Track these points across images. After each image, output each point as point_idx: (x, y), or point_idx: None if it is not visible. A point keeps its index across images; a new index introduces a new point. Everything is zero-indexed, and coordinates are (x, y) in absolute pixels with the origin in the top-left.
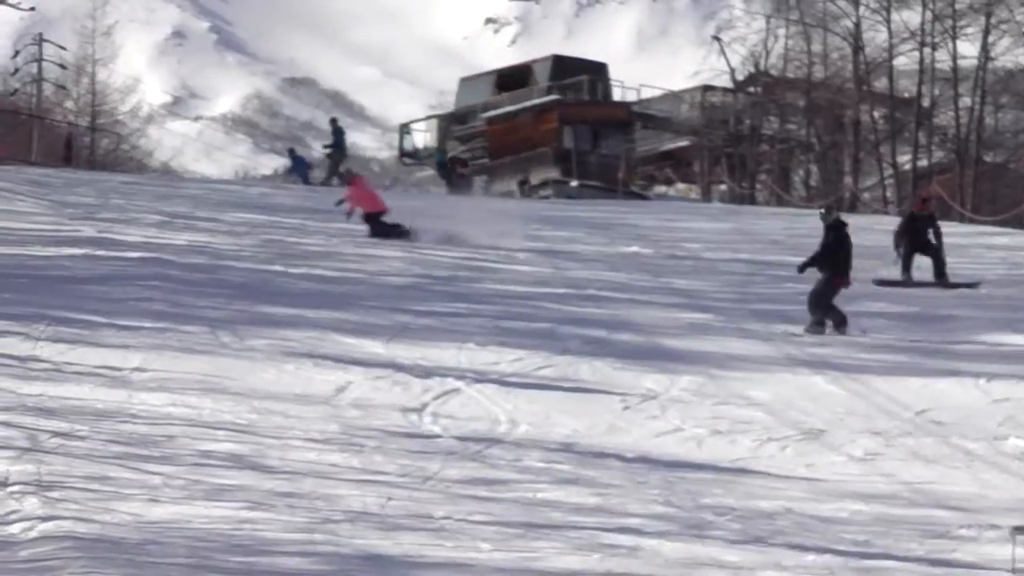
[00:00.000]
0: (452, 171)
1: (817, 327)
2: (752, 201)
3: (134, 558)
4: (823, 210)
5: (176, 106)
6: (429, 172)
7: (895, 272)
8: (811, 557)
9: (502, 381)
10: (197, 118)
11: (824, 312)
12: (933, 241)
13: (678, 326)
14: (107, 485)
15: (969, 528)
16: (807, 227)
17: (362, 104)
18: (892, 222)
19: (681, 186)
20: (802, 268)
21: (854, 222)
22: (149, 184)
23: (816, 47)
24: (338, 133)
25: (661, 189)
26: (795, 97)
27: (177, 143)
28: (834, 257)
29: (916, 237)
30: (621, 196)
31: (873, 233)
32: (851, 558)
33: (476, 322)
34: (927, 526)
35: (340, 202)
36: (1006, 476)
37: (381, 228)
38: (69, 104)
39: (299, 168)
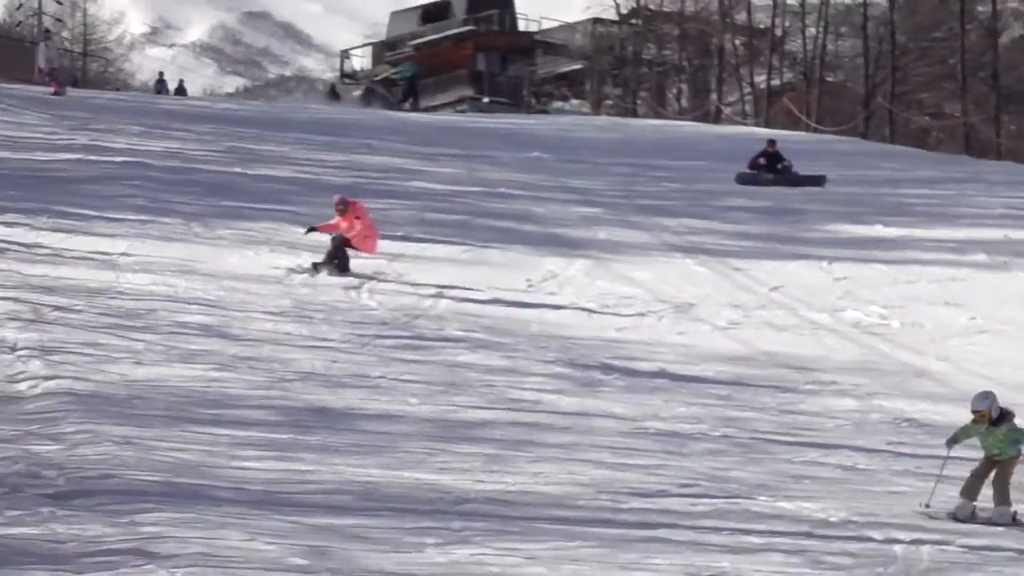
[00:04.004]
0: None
1: None
2: (634, 115)
3: (123, 411)
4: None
5: (154, 35)
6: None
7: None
8: (683, 409)
9: (427, 263)
10: (171, 45)
11: None
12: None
13: (573, 218)
14: (99, 350)
15: (813, 384)
16: (680, 135)
17: (309, 33)
18: (749, 131)
19: (575, 102)
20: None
21: (719, 131)
22: (132, 101)
23: None
24: None
25: (558, 104)
26: (670, 27)
27: (155, 66)
28: None
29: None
30: (525, 111)
31: (734, 141)
32: (716, 409)
33: (405, 215)
34: (778, 383)
35: None
36: (844, 342)
37: None
38: (65, 34)
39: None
